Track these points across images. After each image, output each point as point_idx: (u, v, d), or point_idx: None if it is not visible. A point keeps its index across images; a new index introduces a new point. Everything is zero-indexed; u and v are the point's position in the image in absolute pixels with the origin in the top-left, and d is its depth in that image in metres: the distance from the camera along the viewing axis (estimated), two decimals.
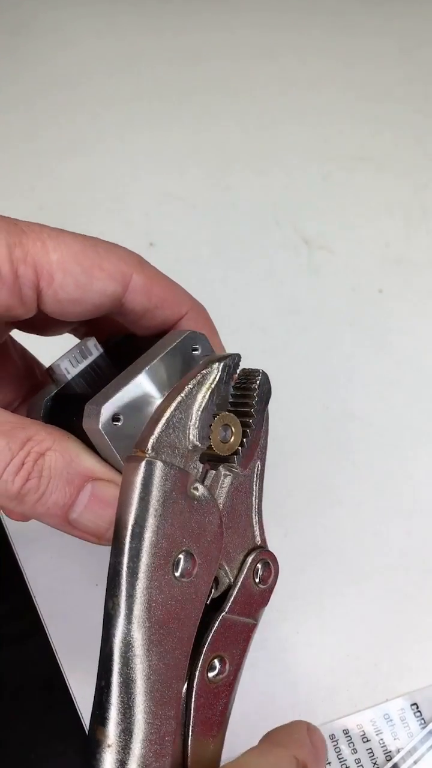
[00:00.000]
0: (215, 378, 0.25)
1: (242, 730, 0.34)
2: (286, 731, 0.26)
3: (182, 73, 0.63)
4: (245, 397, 0.27)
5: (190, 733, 0.24)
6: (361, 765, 0.33)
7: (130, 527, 0.23)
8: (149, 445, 0.23)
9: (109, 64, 0.63)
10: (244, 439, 0.26)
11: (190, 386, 0.25)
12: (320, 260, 0.52)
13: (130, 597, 0.22)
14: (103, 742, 0.22)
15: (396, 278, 0.51)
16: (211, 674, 0.25)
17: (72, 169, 0.57)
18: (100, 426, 0.24)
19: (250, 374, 0.27)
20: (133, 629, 0.22)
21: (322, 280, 0.51)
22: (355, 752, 0.34)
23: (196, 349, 0.27)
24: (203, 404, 0.25)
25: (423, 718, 0.35)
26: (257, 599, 0.27)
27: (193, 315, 0.29)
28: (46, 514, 0.24)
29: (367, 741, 0.34)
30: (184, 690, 0.24)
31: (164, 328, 0.29)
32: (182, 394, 0.24)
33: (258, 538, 0.27)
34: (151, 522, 0.23)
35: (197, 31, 0.66)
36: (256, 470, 0.27)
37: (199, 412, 0.25)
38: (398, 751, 0.34)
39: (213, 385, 0.25)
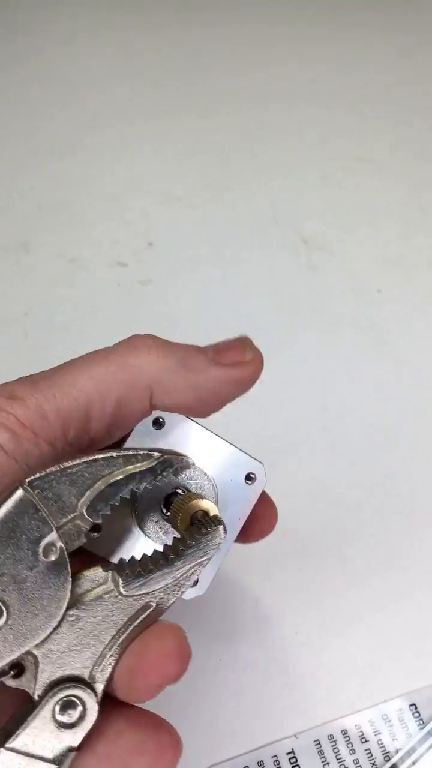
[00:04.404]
0: (145, 466, 0.23)
1: (240, 730, 0.34)
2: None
3: (182, 72, 0.63)
4: (192, 533, 0.24)
5: None
6: (360, 765, 0.33)
7: None
8: (29, 479, 0.22)
9: (108, 65, 0.63)
10: (140, 564, 0.23)
11: (114, 454, 0.23)
12: (319, 260, 0.52)
13: None
14: None
15: (395, 278, 0.51)
16: None
17: (71, 168, 0.56)
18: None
19: (212, 521, 0.24)
20: None
21: (321, 280, 0.51)
22: (354, 753, 0.34)
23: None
24: (115, 479, 0.23)
25: (421, 719, 0.35)
26: (57, 735, 0.22)
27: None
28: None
29: (366, 741, 0.34)
30: None
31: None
32: (99, 455, 0.23)
33: (88, 674, 0.22)
34: None
35: (197, 31, 0.66)
36: (144, 611, 0.23)
37: (104, 485, 0.23)
38: (397, 751, 0.34)
39: (136, 472, 0.23)
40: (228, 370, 0.26)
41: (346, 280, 0.51)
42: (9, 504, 0.22)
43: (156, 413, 0.26)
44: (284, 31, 0.66)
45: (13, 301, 0.50)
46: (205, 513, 0.24)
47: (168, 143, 0.58)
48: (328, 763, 0.33)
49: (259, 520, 0.28)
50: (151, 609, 0.23)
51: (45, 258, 0.52)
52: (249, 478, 0.27)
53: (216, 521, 0.24)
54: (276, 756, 0.34)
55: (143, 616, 0.23)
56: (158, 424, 0.26)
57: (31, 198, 0.55)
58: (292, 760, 0.34)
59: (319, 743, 0.34)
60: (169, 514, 0.26)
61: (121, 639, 0.23)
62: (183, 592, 0.23)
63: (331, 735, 0.34)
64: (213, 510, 0.25)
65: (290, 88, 0.62)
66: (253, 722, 0.35)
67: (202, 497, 0.25)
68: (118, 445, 0.26)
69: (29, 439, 0.23)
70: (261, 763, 0.33)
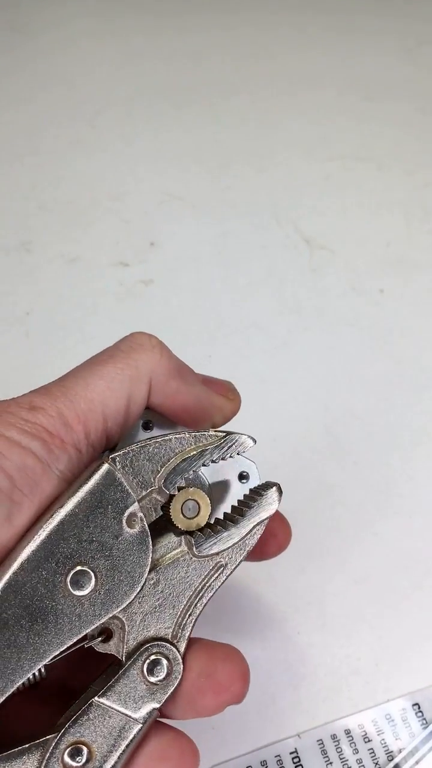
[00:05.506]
0: (213, 443, 0.25)
1: (242, 730, 0.34)
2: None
3: (182, 72, 0.63)
4: (246, 500, 0.26)
5: None
6: (363, 765, 0.33)
7: (51, 515, 0.23)
8: (111, 455, 0.24)
9: (109, 64, 0.63)
10: (208, 527, 0.25)
11: (186, 434, 0.25)
12: (321, 260, 0.52)
13: (3, 573, 0.22)
14: None
15: (397, 278, 0.51)
16: (69, 760, 0.23)
17: (72, 168, 0.56)
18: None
19: (266, 485, 0.26)
20: None
21: (322, 280, 0.51)
22: (357, 752, 0.34)
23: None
24: (188, 455, 0.25)
25: (424, 718, 0.35)
26: (144, 695, 0.23)
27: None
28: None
29: (369, 741, 0.34)
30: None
31: None
32: (174, 435, 0.25)
33: (171, 634, 0.24)
34: (68, 519, 0.23)
35: (197, 30, 0.66)
36: (216, 571, 0.25)
37: (179, 460, 0.25)
38: (400, 751, 0.34)
39: (207, 448, 0.25)
40: (213, 393, 0.28)
41: (348, 280, 0.51)
42: (96, 477, 0.23)
43: (146, 416, 0.27)
44: (285, 30, 0.66)
45: (14, 301, 0.50)
46: (195, 501, 0.26)
47: (169, 142, 0.58)
48: (331, 763, 0.33)
49: (274, 536, 0.29)
50: (223, 568, 0.25)
51: (46, 257, 0.52)
52: (242, 477, 0.27)
53: (270, 484, 0.26)
54: (279, 756, 0.34)
55: (216, 576, 0.25)
56: (148, 427, 0.27)
57: (33, 197, 0.55)
58: (295, 760, 0.34)
59: (322, 743, 0.34)
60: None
61: (198, 599, 0.25)
62: (248, 551, 0.25)
63: (334, 735, 0.34)
64: (202, 495, 0.26)
65: (291, 87, 0.62)
66: (255, 722, 0.35)
67: (192, 486, 0.26)
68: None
69: (58, 446, 0.23)
70: (264, 763, 0.33)
